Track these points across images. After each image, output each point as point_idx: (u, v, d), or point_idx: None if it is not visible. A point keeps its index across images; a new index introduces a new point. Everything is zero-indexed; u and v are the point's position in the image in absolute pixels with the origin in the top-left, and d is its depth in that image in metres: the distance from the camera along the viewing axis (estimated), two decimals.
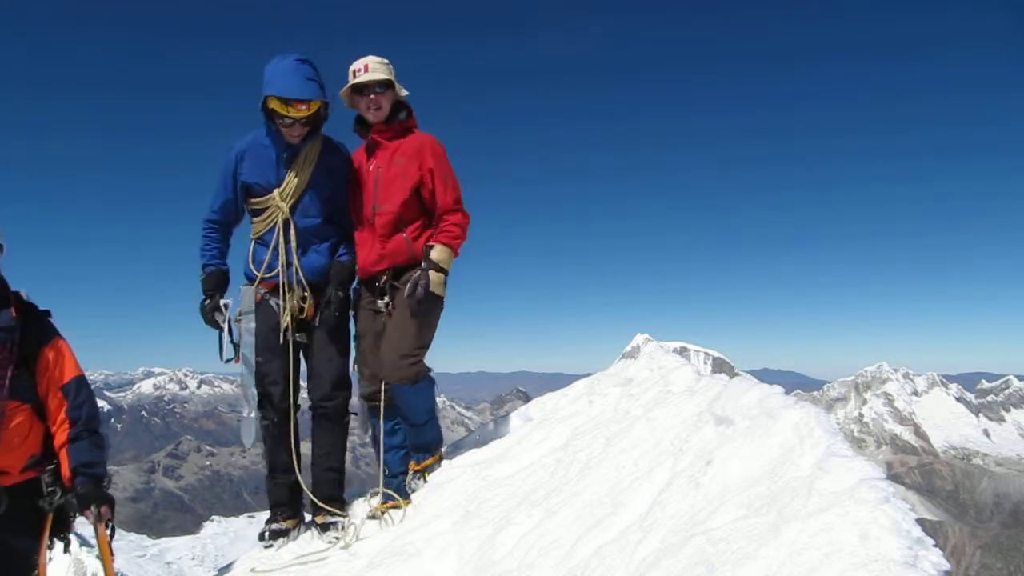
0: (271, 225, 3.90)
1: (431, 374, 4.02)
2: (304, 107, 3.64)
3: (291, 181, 3.84)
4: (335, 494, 4.04)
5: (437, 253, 3.87)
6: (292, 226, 3.88)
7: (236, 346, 3.99)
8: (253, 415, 3.99)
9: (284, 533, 3.94)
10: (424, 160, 3.92)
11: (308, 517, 4.11)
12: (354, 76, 3.87)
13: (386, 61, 3.91)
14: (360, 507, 4.21)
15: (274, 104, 3.62)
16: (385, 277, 3.96)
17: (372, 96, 3.86)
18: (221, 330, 3.94)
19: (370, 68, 3.84)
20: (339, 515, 3.96)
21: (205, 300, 3.93)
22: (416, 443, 4.10)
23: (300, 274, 3.90)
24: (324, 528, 3.90)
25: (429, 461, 4.03)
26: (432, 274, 3.81)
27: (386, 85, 3.89)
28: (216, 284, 3.97)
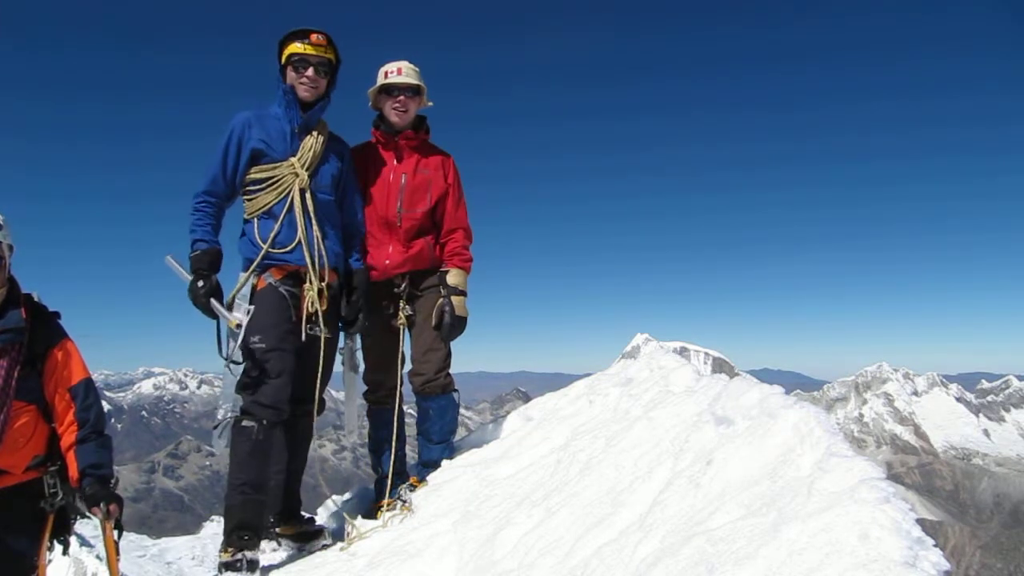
0: (283, 195, 3.57)
1: (454, 393, 4.09)
2: (322, 39, 3.57)
3: (308, 150, 3.62)
4: (300, 502, 3.99)
5: (453, 278, 4.00)
6: (311, 199, 3.59)
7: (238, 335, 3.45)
8: (230, 416, 3.47)
9: (255, 566, 3.42)
10: (447, 175, 4.08)
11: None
12: (385, 76, 3.97)
13: (418, 69, 4.01)
14: (360, 507, 4.21)
15: (292, 46, 3.55)
16: (405, 283, 4.03)
17: (401, 98, 3.95)
18: (217, 318, 3.46)
19: (403, 72, 3.95)
20: (319, 525, 3.94)
21: (198, 281, 3.42)
22: (426, 459, 4.14)
23: (323, 255, 3.60)
24: (307, 538, 3.84)
25: (421, 485, 3.96)
26: (454, 299, 3.94)
27: (415, 91, 3.98)
28: (211, 263, 3.49)
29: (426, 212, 4.02)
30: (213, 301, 3.40)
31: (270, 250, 3.54)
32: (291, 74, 3.59)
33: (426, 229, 4.05)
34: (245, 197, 3.65)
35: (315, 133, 3.67)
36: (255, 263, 3.55)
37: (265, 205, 3.58)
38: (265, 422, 3.44)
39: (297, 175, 3.57)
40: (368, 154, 4.08)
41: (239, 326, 3.41)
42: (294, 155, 3.60)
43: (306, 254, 3.55)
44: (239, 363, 3.44)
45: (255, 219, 3.60)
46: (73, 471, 2.95)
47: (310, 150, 3.63)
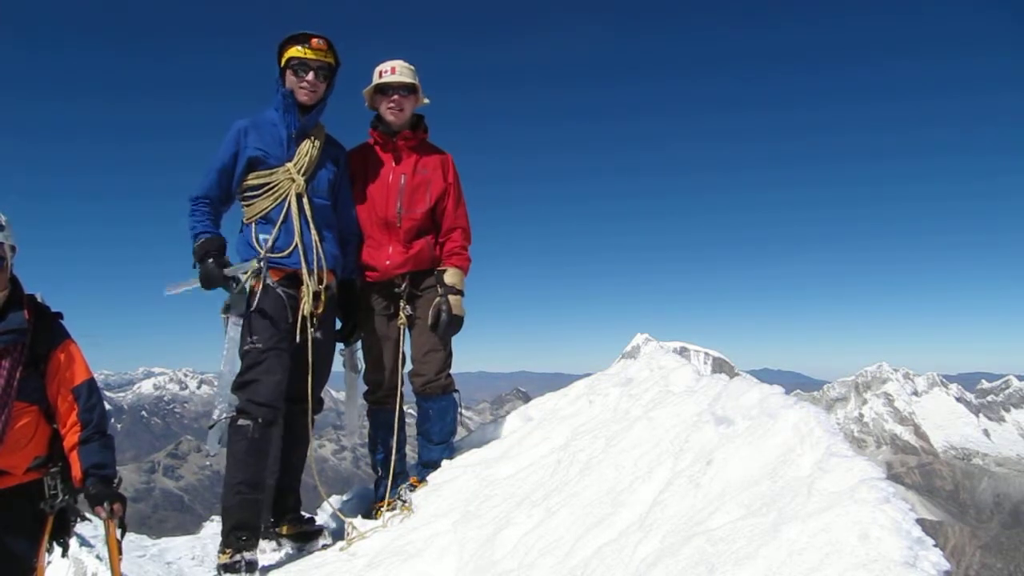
0: (280, 201, 3.60)
1: (455, 394, 4.09)
2: (322, 44, 3.59)
3: (304, 156, 3.64)
4: (299, 503, 3.99)
5: (451, 277, 3.99)
6: (307, 204, 3.62)
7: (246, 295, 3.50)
8: (225, 416, 3.51)
9: (253, 567, 3.44)
10: (447, 175, 4.07)
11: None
12: (379, 76, 3.95)
13: (413, 67, 3.99)
14: (360, 507, 4.20)
15: (292, 50, 3.56)
16: (405, 283, 4.02)
17: (396, 98, 3.93)
18: (238, 280, 3.49)
19: (397, 71, 3.93)
20: (319, 525, 3.94)
21: (208, 259, 3.47)
22: (426, 460, 4.13)
23: (321, 257, 3.63)
24: (307, 538, 3.84)
25: (421, 485, 3.95)
26: (452, 298, 3.94)
27: (410, 89, 3.96)
28: (219, 247, 3.53)
29: (426, 212, 4.01)
30: (229, 268, 3.48)
31: (268, 255, 3.57)
32: (291, 78, 3.60)
33: (426, 229, 4.05)
34: (243, 203, 3.69)
35: (312, 138, 3.70)
36: (248, 272, 3.57)
37: (262, 211, 3.62)
38: (260, 420, 3.45)
39: (294, 180, 3.61)
40: (367, 155, 4.07)
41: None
42: (291, 160, 3.63)
43: (302, 259, 3.59)
44: (240, 372, 3.53)
45: (253, 224, 3.64)
46: (76, 471, 2.95)
47: (307, 155, 3.66)
